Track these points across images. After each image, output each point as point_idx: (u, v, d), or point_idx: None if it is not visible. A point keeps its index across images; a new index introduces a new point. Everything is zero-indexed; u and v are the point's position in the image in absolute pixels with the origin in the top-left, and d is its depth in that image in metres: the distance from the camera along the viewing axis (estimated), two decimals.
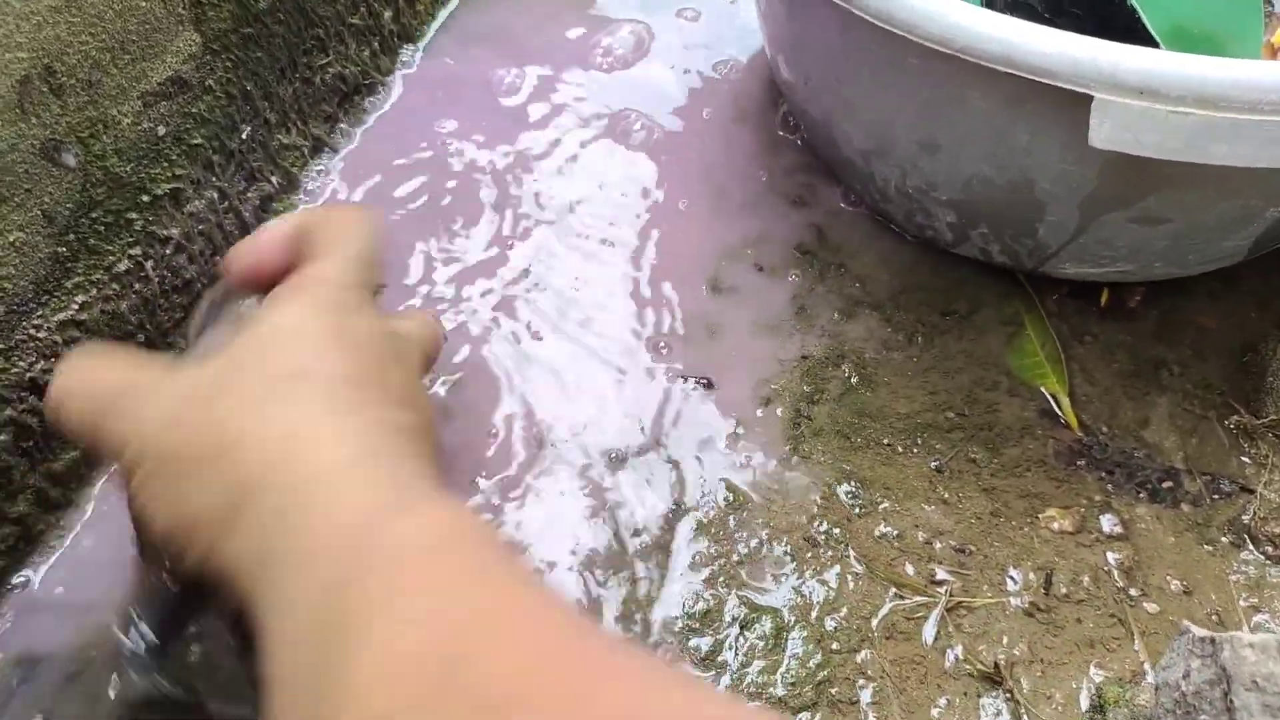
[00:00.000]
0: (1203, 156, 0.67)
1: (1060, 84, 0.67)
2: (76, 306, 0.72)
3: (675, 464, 0.85)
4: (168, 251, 0.80)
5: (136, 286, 0.78)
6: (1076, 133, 0.69)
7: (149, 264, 0.78)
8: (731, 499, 0.83)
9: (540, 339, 0.92)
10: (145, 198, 0.77)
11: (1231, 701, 0.52)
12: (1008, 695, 0.74)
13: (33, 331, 0.68)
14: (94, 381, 0.46)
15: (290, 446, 0.38)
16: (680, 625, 0.76)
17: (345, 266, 0.49)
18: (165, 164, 0.78)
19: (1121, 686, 0.68)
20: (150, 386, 0.43)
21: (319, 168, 0.96)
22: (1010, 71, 0.69)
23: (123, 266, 0.76)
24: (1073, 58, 0.66)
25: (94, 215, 0.72)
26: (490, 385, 0.88)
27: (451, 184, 1.01)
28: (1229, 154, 0.66)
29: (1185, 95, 0.64)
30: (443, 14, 1.14)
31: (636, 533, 0.80)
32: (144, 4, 0.73)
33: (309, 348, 0.43)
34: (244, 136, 0.86)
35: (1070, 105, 0.68)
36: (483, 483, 0.82)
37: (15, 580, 0.72)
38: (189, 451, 0.39)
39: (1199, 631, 0.54)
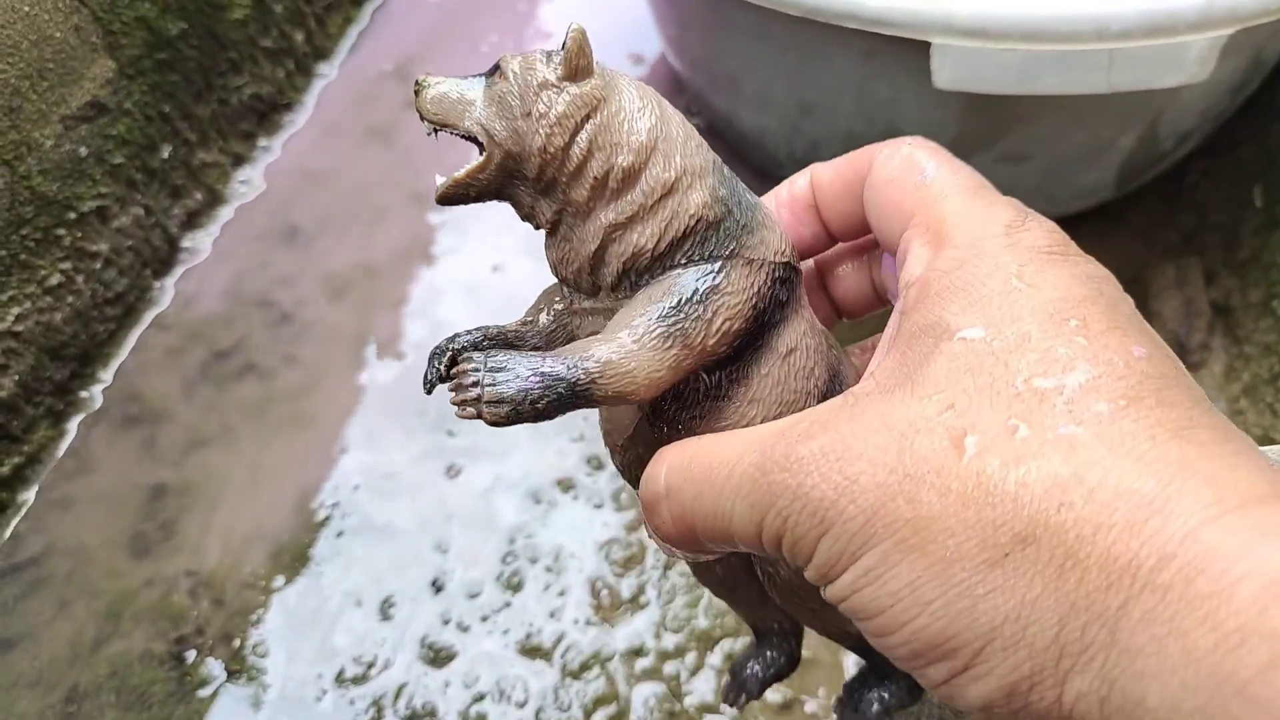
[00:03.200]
0: (1038, 88, 0.73)
1: (902, 34, 0.73)
2: (12, 319, 0.76)
3: (597, 427, 0.90)
4: (97, 266, 0.84)
5: (69, 299, 0.82)
6: (926, 79, 0.75)
7: (80, 278, 0.83)
8: None
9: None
10: (72, 215, 0.81)
11: None
12: None
13: None
14: (708, 464, 0.32)
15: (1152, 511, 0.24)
16: (607, 570, 0.80)
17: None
18: (89, 183, 0.83)
19: None
20: (835, 436, 0.29)
21: (242, 179, 1.01)
22: (858, 27, 0.75)
23: (54, 280, 0.80)
24: (908, 8, 0.72)
25: (24, 232, 0.76)
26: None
27: (371, 188, 1.07)
28: (1060, 83, 0.72)
29: (1012, 33, 0.70)
30: (354, 31, 1.20)
31: (563, 486, 0.85)
32: (58, 34, 0.78)
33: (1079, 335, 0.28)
34: (165, 156, 0.91)
35: (915, 53, 0.74)
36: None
37: None
38: (960, 526, 0.26)
39: None
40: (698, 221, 0.33)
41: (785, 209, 0.38)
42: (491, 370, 0.31)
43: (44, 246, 0.79)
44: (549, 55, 0.33)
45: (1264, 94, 0.97)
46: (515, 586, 0.80)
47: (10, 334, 0.76)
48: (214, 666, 0.76)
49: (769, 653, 0.48)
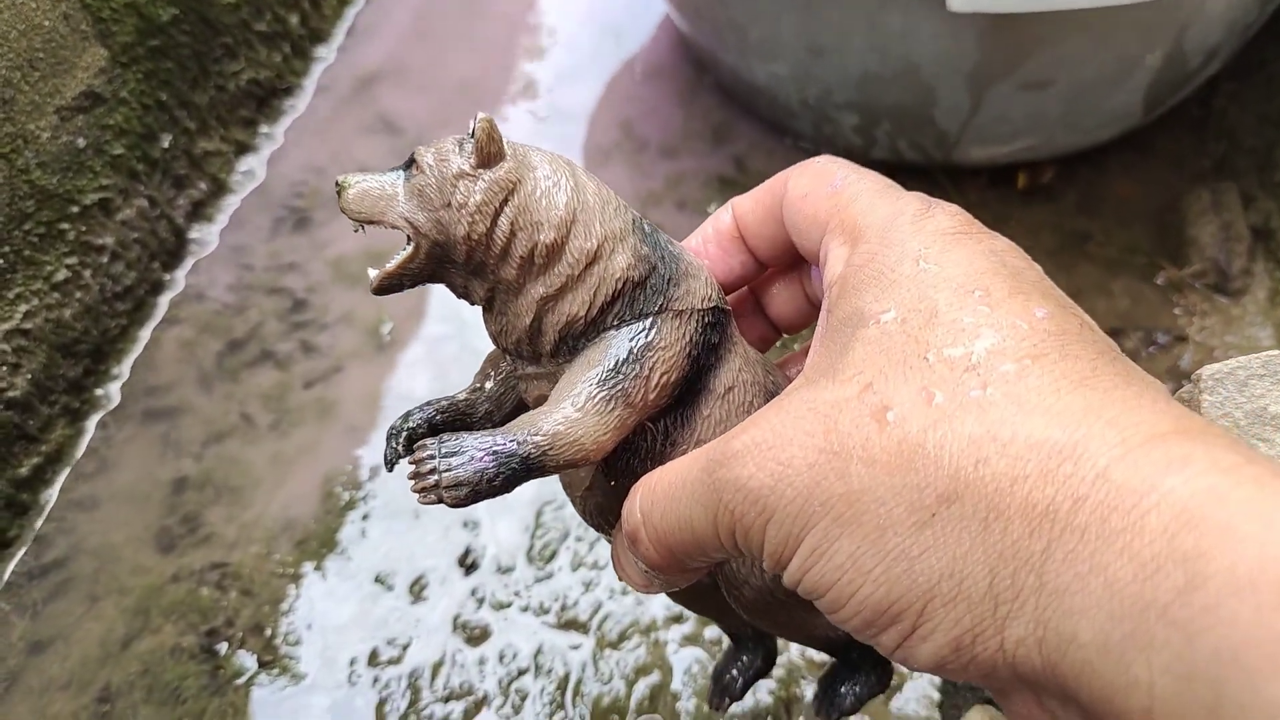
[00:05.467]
0: (1056, 3, 0.69)
1: None
2: (20, 316, 0.75)
3: None
4: (104, 260, 0.83)
5: (78, 295, 0.81)
6: (939, 5, 0.72)
7: (87, 272, 0.81)
8: None
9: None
10: (75, 208, 0.80)
11: None
12: None
13: None
14: (668, 481, 0.33)
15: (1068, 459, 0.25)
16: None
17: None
18: (90, 175, 0.81)
19: None
20: (766, 427, 0.30)
21: (245, 168, 0.99)
22: None
23: (61, 276, 0.79)
24: None
25: (26, 228, 0.75)
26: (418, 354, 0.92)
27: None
28: None
29: None
30: (350, 13, 1.18)
31: None
32: (47, 23, 0.76)
33: (982, 302, 0.30)
34: (165, 145, 0.89)
35: None
36: None
37: None
38: (889, 494, 0.27)
39: None
40: (624, 283, 0.34)
41: (712, 244, 0.40)
42: (446, 455, 0.32)
43: (48, 241, 0.77)
44: (460, 143, 0.35)
45: None
46: (547, 559, 0.78)
47: (20, 332, 0.74)
48: (246, 658, 0.74)
49: (745, 656, 0.50)
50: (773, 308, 0.42)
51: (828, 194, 0.35)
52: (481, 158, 0.34)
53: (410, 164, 0.35)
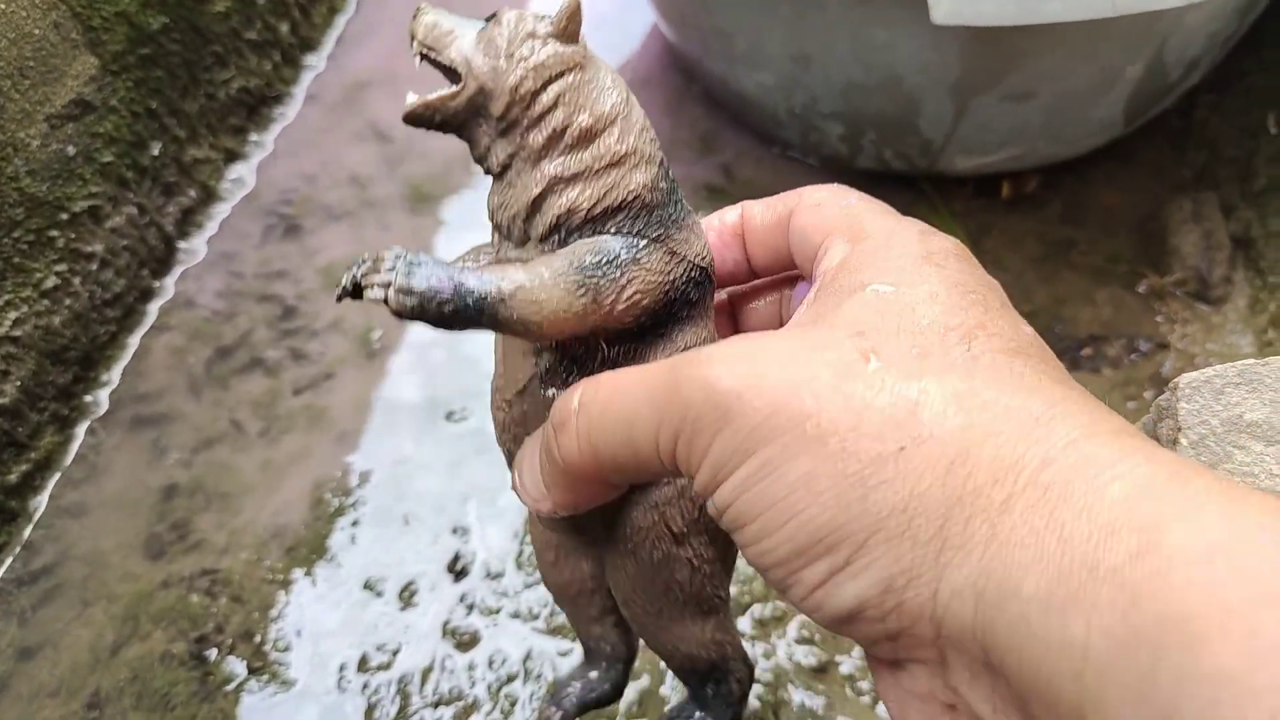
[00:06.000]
0: (1039, 16, 0.71)
1: None
2: (10, 323, 0.75)
3: None
4: (93, 267, 0.83)
5: (67, 302, 0.81)
6: (923, 18, 0.73)
7: (76, 280, 0.81)
8: None
9: None
10: (64, 216, 0.80)
11: None
12: None
13: None
14: (621, 376, 0.32)
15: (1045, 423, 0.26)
16: None
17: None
18: (80, 183, 0.82)
19: None
20: (747, 343, 0.30)
21: (234, 175, 0.99)
22: None
23: (51, 283, 0.79)
24: None
25: (16, 235, 0.75)
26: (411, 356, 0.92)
27: (365, 179, 1.05)
28: (1062, 10, 0.70)
29: None
30: (341, 21, 1.19)
31: None
32: (37, 30, 0.77)
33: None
34: (155, 153, 0.89)
35: None
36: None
37: None
38: (860, 422, 0.27)
39: None
40: (635, 199, 0.35)
41: (714, 234, 0.40)
42: (410, 263, 0.32)
43: (37, 249, 0.77)
44: (543, 16, 0.36)
45: (1271, 20, 0.94)
46: (536, 565, 0.78)
47: (9, 339, 0.74)
48: (236, 664, 0.74)
49: (594, 674, 0.48)
50: (748, 322, 0.43)
51: (840, 207, 0.36)
52: (558, 28, 0.35)
53: (492, 18, 0.36)
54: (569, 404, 0.33)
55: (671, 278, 0.35)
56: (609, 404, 0.32)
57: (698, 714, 0.43)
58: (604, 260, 0.34)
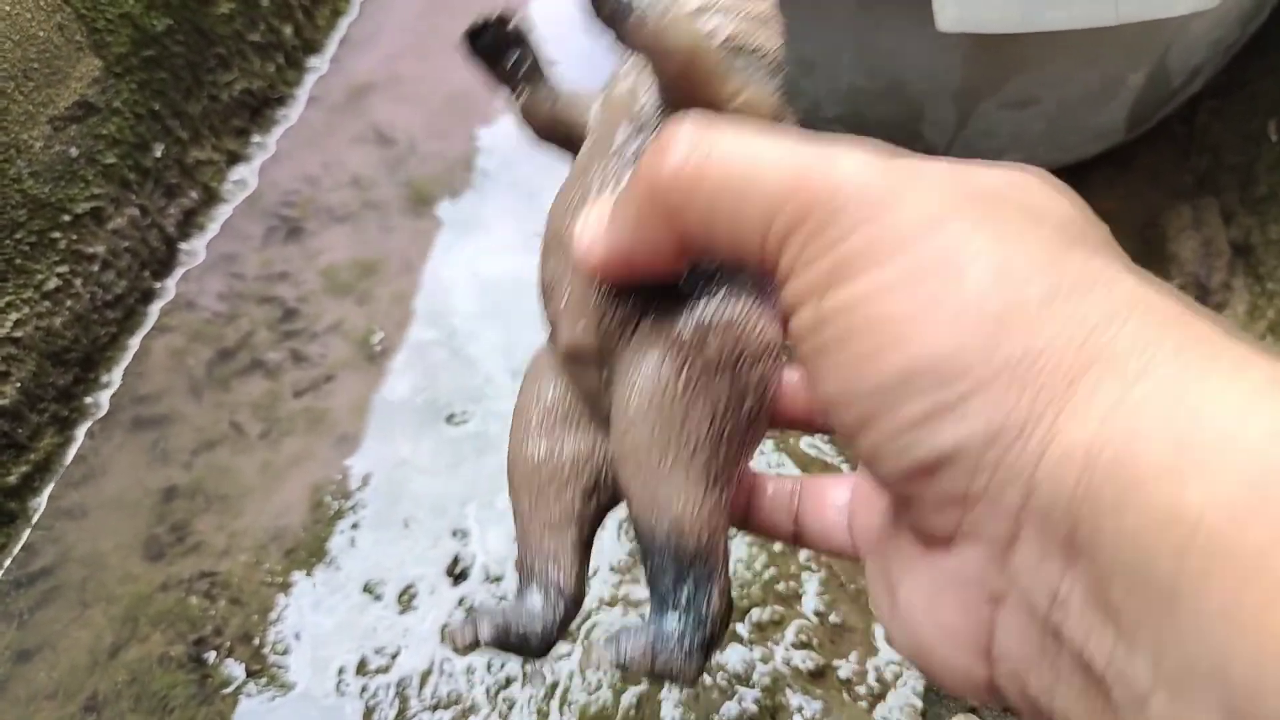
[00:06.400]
0: (1042, 24, 0.71)
1: None
2: (10, 324, 0.75)
3: None
4: (95, 269, 0.83)
5: (68, 303, 0.81)
6: (927, 25, 0.73)
7: (78, 281, 0.81)
8: None
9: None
10: (66, 217, 0.80)
11: None
12: None
13: None
14: (750, 140, 0.27)
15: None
16: (628, 548, 0.78)
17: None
18: (82, 184, 0.82)
19: None
20: (913, 163, 0.27)
21: (236, 177, 0.99)
22: None
23: (52, 284, 0.79)
24: None
25: (18, 236, 0.75)
26: (430, 357, 0.92)
27: (367, 181, 1.06)
28: (1066, 18, 0.70)
29: None
30: (343, 23, 1.19)
31: None
32: (41, 33, 0.77)
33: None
34: (158, 155, 0.90)
35: None
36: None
37: None
38: (1004, 270, 0.24)
39: None
40: (767, 53, 0.41)
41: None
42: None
43: (39, 250, 0.77)
44: None
45: (1273, 28, 0.94)
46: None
47: (10, 340, 0.74)
48: (234, 667, 0.74)
49: (534, 602, 0.36)
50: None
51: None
52: None
53: None
54: (684, 136, 0.28)
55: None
56: (737, 139, 0.27)
57: (653, 629, 0.33)
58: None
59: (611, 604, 0.76)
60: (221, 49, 0.97)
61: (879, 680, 0.71)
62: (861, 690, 0.70)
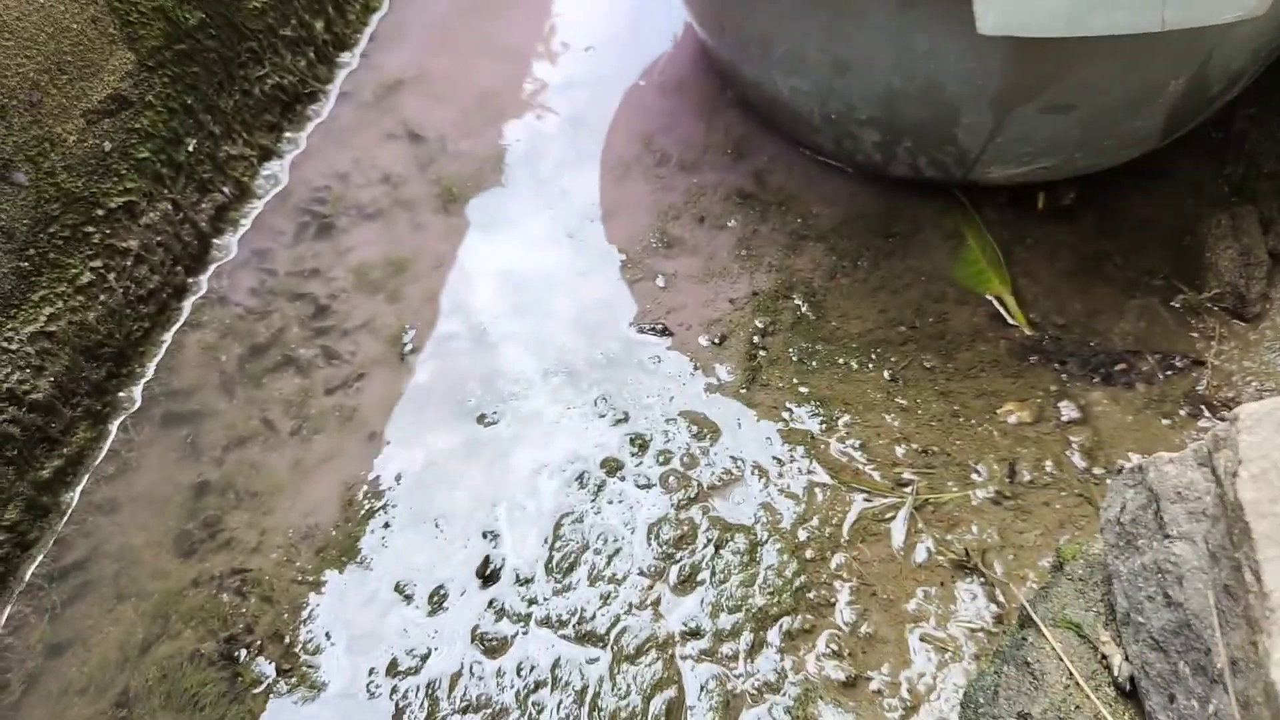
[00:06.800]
0: (1085, 29, 0.70)
1: None
2: (44, 319, 0.75)
3: (640, 406, 0.88)
4: (128, 263, 0.83)
5: (101, 298, 0.81)
6: (967, 27, 0.72)
7: (111, 276, 0.82)
8: (695, 430, 0.86)
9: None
10: (100, 212, 0.80)
11: (1161, 518, 0.54)
12: (981, 579, 0.76)
13: (4, 344, 0.72)
14: None
15: None
16: (658, 551, 0.78)
17: None
18: (115, 178, 0.81)
19: (1079, 543, 0.70)
20: None
21: (268, 172, 0.99)
22: None
23: (85, 279, 0.79)
24: None
25: (52, 230, 0.75)
26: (456, 354, 0.92)
27: (397, 178, 1.05)
28: (1108, 24, 0.69)
29: None
30: (374, 19, 1.18)
31: (608, 468, 0.83)
32: (75, 26, 0.76)
33: None
34: (190, 149, 0.89)
35: (957, 1, 0.71)
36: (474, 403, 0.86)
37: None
38: None
39: (1129, 463, 0.57)
40: None
41: None
42: None
43: (73, 244, 0.78)
44: None
45: None
46: (566, 571, 0.78)
47: (44, 334, 0.74)
48: (265, 665, 0.74)
49: None
50: None
51: None
52: None
53: None
54: None
55: None
56: None
57: None
58: None
59: (641, 608, 0.75)
60: (253, 43, 0.97)
61: (911, 692, 0.70)
62: (894, 702, 0.70)
